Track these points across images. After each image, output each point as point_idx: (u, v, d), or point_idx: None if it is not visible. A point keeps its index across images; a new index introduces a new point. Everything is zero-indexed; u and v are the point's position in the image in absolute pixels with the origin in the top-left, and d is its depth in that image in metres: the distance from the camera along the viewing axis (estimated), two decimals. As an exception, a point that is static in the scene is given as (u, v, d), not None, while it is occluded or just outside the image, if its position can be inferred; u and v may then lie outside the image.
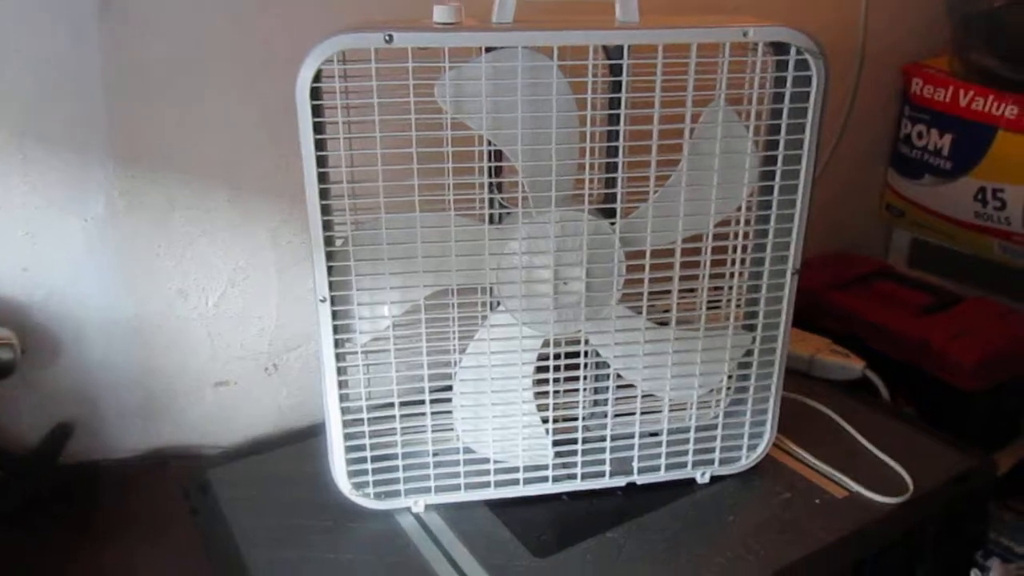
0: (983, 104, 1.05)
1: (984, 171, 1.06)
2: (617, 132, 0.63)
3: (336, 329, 0.64)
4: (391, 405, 0.67)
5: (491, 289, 0.66)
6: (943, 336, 0.95)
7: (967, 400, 0.91)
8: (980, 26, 1.10)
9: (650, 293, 0.67)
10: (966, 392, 0.91)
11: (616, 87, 0.63)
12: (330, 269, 0.63)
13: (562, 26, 0.59)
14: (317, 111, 0.59)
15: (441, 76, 0.59)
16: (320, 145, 0.59)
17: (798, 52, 0.62)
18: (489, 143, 0.63)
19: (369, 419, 0.67)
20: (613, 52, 0.63)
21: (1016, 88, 1.02)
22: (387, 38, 0.57)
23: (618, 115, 0.63)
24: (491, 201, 0.69)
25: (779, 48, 0.63)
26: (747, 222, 0.67)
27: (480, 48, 0.59)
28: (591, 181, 0.64)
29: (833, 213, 1.20)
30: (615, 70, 0.63)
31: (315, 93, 0.58)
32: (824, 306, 1.04)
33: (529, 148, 0.62)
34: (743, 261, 0.69)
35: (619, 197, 0.64)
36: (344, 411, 0.67)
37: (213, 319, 0.82)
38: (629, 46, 0.61)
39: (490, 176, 0.66)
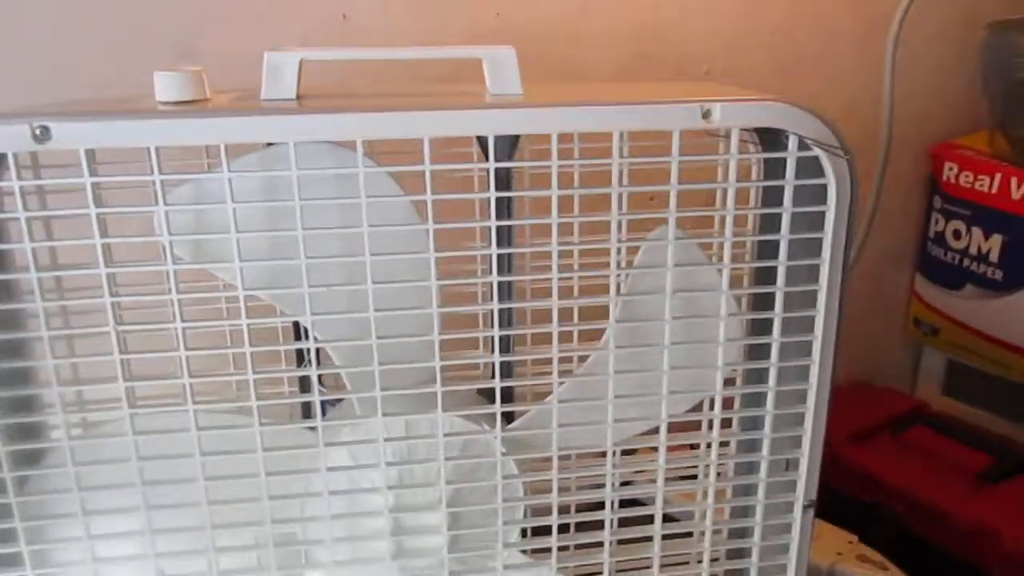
0: (1046, 197, 0.79)
1: (1052, 285, 0.79)
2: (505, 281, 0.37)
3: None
4: None
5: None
6: (1017, 524, 0.67)
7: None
8: (1029, 96, 0.85)
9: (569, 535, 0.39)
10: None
11: (500, 203, 0.37)
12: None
13: (382, 104, 0.33)
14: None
15: (170, 195, 0.33)
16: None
17: (802, 146, 0.35)
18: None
19: None
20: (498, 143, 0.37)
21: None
22: (38, 132, 0.31)
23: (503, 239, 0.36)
24: (301, 383, 0.42)
25: (769, 138, 0.37)
26: (724, 425, 0.40)
27: (221, 146, 0.33)
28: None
29: (846, 331, 0.92)
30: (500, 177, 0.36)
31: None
32: (841, 465, 0.76)
33: (329, 316, 0.35)
34: (716, 491, 0.41)
35: (498, 390, 0.37)
36: None
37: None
38: (510, 137, 0.35)
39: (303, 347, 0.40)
